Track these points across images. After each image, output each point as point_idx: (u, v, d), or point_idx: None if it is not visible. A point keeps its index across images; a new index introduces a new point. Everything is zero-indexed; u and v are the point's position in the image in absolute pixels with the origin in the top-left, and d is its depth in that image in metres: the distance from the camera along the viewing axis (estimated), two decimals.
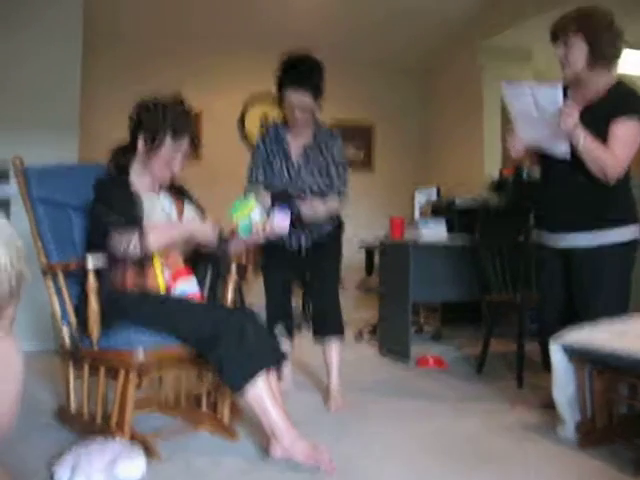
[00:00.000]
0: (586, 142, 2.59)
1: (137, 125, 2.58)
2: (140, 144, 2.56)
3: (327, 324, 3.22)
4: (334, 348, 3.21)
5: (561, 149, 2.70)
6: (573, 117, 2.53)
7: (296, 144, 3.21)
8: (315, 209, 3.06)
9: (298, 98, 3.07)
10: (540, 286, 3.08)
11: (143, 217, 2.48)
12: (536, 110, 2.69)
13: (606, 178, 2.65)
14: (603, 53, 2.69)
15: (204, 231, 2.57)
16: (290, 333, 3.30)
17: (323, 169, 3.17)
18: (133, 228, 2.39)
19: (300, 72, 3.13)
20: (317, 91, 3.17)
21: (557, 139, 2.68)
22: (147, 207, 2.53)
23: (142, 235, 2.38)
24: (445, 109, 7.00)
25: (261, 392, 2.23)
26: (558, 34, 2.75)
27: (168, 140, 2.54)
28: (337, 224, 3.31)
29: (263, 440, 2.36)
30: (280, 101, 3.14)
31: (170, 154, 2.56)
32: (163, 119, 2.54)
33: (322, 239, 3.23)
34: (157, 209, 2.57)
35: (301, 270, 3.36)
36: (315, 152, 3.20)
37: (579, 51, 2.70)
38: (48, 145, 4.19)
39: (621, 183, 2.72)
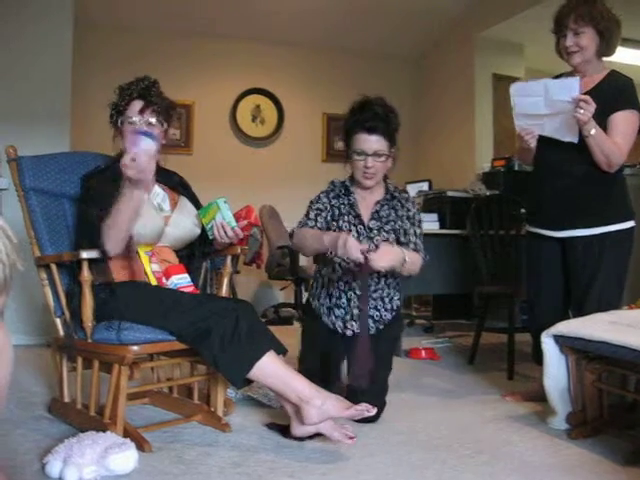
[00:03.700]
0: (597, 132, 2.63)
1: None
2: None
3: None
4: None
5: (569, 139, 2.73)
6: (590, 110, 2.56)
7: (366, 202, 2.80)
8: (385, 260, 2.45)
9: (373, 144, 2.66)
10: (534, 275, 3.08)
11: None
12: (545, 106, 2.71)
13: (609, 167, 2.73)
14: (613, 43, 2.79)
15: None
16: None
17: (400, 229, 2.78)
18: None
19: (376, 114, 2.67)
20: (393, 140, 2.73)
21: (565, 131, 2.71)
22: None
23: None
24: (437, 101, 7.00)
25: (270, 367, 2.21)
26: (567, 23, 2.78)
27: (123, 115, 2.54)
28: (397, 315, 2.83)
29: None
30: (348, 149, 2.74)
31: (131, 125, 2.53)
32: (114, 102, 2.58)
33: (375, 330, 2.73)
34: (145, 203, 2.52)
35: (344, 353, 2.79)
36: (389, 210, 2.80)
37: (590, 40, 2.76)
38: (40, 138, 4.17)
39: (617, 175, 2.81)
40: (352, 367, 2.48)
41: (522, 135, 2.82)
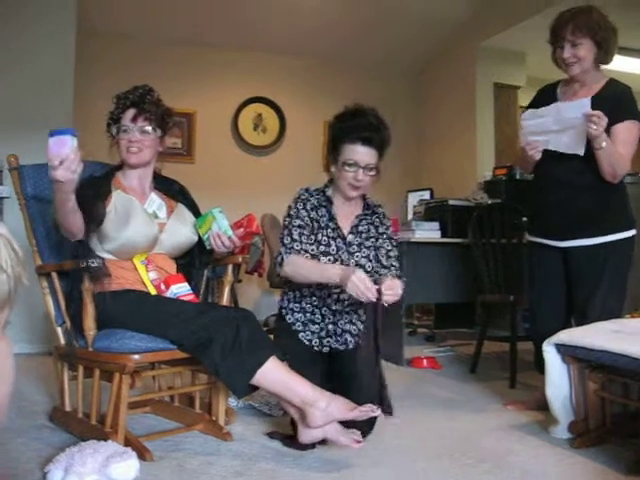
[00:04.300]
0: (607, 144, 2.65)
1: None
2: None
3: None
4: None
5: (575, 151, 2.74)
6: (603, 124, 2.58)
7: (345, 215, 2.70)
8: (395, 294, 2.39)
9: (366, 156, 2.56)
10: (535, 284, 3.08)
11: (103, 215, 2.43)
12: (554, 124, 2.74)
13: (614, 178, 2.75)
14: (611, 51, 2.80)
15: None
16: None
17: (381, 248, 2.69)
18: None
19: (371, 124, 2.57)
20: (383, 154, 2.63)
21: (572, 144, 2.73)
22: (126, 207, 2.51)
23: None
24: (438, 110, 7.00)
25: (272, 373, 2.20)
26: (563, 35, 2.77)
27: (119, 124, 2.56)
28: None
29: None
30: (336, 156, 2.62)
31: (124, 133, 2.55)
32: (110, 111, 2.61)
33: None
34: (137, 210, 2.54)
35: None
36: (368, 226, 2.72)
37: (588, 51, 2.76)
38: (42, 146, 4.16)
39: (618, 185, 2.82)
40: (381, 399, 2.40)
41: (527, 149, 2.81)
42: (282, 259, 2.57)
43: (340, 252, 2.64)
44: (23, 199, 2.56)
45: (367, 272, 2.58)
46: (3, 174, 4.00)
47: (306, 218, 2.64)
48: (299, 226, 2.61)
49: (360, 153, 2.55)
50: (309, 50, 6.67)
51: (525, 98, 5.63)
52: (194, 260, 2.73)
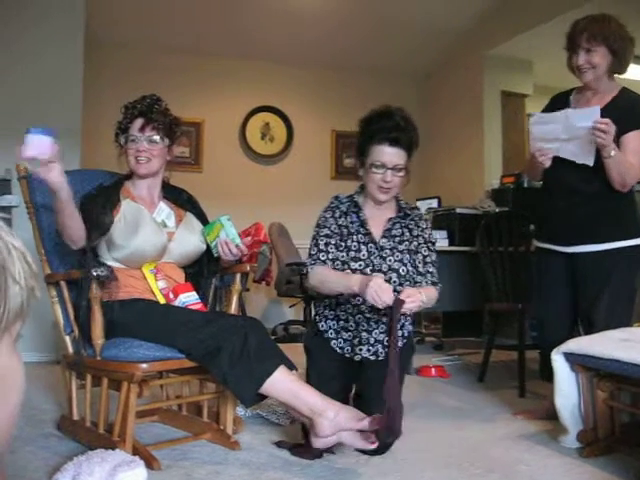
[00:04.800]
0: (616, 153, 2.65)
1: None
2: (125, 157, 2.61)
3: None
4: None
5: (584, 161, 2.74)
6: (611, 132, 2.58)
7: (377, 219, 2.64)
8: (415, 301, 2.34)
9: (394, 157, 2.52)
10: (542, 291, 3.08)
11: (110, 224, 2.45)
12: (563, 132, 2.73)
13: (623, 187, 2.75)
14: (626, 60, 2.80)
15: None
16: None
17: (412, 250, 2.62)
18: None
19: (398, 125, 2.53)
20: (411, 154, 2.58)
21: (581, 154, 2.73)
22: (135, 217, 2.52)
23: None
24: (446, 118, 7.00)
25: (281, 382, 2.19)
26: (579, 42, 2.77)
27: (127, 133, 2.57)
28: (407, 341, 2.68)
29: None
30: (364, 159, 2.59)
31: (132, 143, 2.56)
32: (118, 121, 2.62)
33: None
34: (146, 219, 2.55)
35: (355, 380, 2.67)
36: (402, 229, 2.65)
37: (602, 58, 2.76)
38: None
39: (627, 192, 2.82)
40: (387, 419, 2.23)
41: (537, 156, 2.80)
42: (307, 271, 2.59)
43: (372, 257, 2.60)
44: (32, 208, 2.57)
45: (401, 276, 2.57)
46: (12, 183, 4.01)
47: (333, 226, 2.62)
48: (325, 235, 2.61)
49: (388, 154, 2.52)
50: (312, 59, 6.69)
51: (532, 106, 5.64)
52: (202, 269, 2.73)
